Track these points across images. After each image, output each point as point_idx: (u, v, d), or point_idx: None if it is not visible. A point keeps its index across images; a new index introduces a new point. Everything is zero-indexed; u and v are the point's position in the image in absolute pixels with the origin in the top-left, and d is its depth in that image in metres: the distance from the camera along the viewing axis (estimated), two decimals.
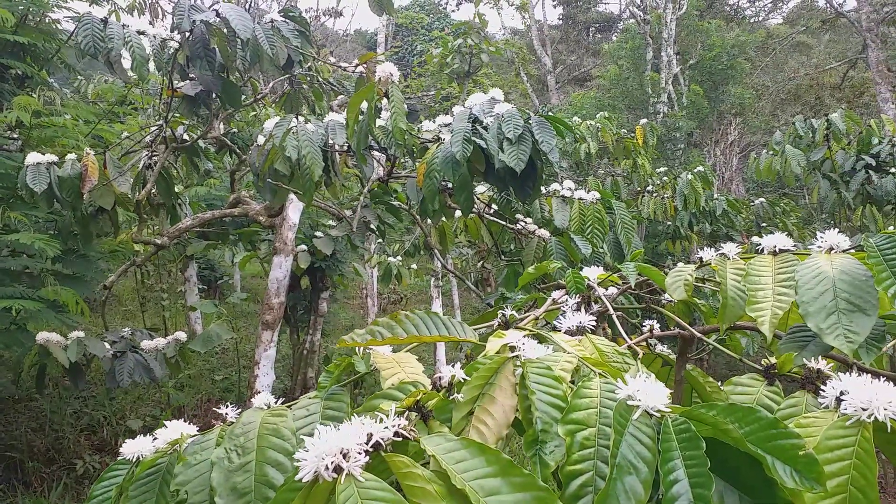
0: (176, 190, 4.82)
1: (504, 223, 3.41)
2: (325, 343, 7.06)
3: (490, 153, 2.11)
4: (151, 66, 3.15)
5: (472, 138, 2.12)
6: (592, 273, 1.55)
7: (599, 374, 0.99)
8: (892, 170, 6.55)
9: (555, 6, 27.37)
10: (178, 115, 3.40)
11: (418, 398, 0.95)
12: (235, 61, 2.73)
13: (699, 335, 1.32)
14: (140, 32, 2.73)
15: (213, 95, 3.16)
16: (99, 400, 5.46)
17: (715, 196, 6.51)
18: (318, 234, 3.31)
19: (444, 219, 3.61)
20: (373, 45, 15.35)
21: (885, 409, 0.85)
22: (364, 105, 2.43)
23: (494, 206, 3.46)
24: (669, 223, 7.02)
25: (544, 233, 2.80)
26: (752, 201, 8.07)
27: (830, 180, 6.72)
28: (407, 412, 0.89)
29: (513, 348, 1.04)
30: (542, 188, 3.37)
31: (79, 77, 6.23)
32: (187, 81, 3.00)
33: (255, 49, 2.84)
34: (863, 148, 6.72)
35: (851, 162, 6.62)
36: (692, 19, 12.26)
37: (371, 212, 3.39)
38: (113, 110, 5.33)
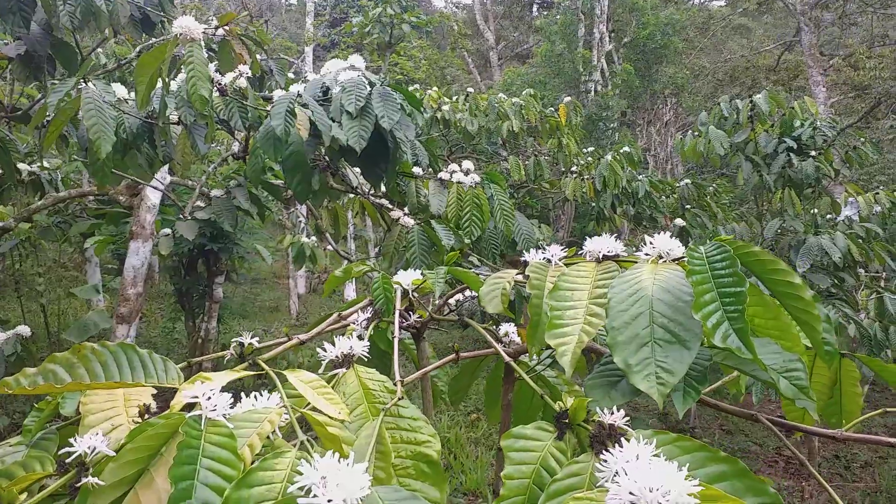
0: (46, 165, 4.36)
1: (393, 208, 3.12)
2: (224, 329, 6.68)
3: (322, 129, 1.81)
4: None
5: (299, 110, 1.82)
6: (406, 278, 1.28)
7: (303, 441, 0.71)
8: (813, 153, 6.52)
9: None
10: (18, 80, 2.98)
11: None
12: (59, 17, 2.35)
13: (508, 359, 1.07)
14: None
15: (53, 59, 2.76)
16: None
17: (638, 177, 6.34)
18: (183, 216, 2.96)
19: (328, 200, 3.31)
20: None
21: None
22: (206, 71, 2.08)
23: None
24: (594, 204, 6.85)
25: (409, 220, 2.52)
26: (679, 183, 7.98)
27: (753, 162, 6.64)
28: None
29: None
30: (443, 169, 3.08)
31: None
32: (14, 42, 2.59)
33: (87, 4, 2.46)
34: (785, 130, 6.67)
35: (774, 144, 6.56)
36: None
37: (242, 191, 3.05)
38: None
